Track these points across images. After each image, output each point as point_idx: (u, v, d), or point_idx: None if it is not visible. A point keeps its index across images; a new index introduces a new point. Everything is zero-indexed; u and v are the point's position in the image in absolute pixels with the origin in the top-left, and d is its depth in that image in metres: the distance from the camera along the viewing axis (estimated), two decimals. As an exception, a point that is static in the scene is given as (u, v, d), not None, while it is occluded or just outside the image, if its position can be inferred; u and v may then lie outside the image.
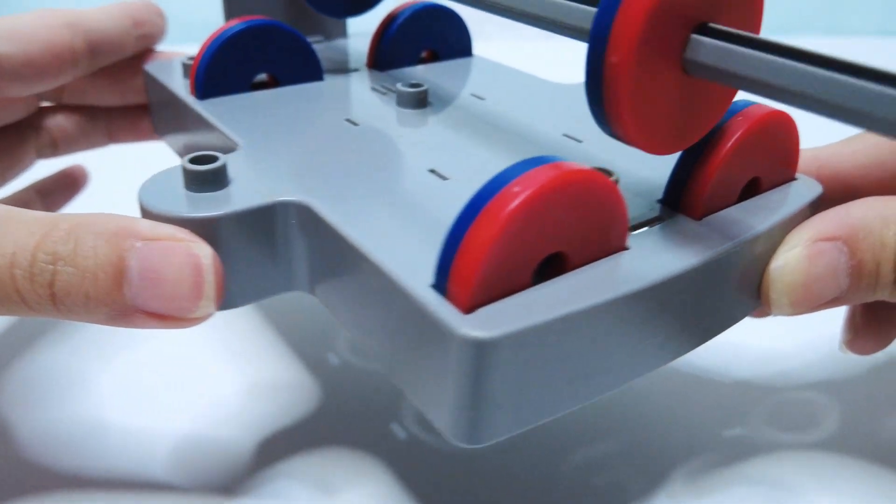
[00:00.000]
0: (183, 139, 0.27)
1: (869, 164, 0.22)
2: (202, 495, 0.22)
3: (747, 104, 0.18)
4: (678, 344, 0.17)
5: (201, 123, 0.24)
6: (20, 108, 0.28)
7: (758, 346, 0.28)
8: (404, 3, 0.29)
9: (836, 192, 0.21)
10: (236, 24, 0.25)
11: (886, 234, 0.18)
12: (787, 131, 0.19)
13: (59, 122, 0.30)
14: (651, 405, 0.25)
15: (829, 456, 0.23)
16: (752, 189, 0.19)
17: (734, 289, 0.18)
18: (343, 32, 0.33)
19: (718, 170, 0.18)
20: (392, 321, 0.16)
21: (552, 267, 0.16)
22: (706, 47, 0.15)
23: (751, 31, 0.16)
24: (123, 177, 0.35)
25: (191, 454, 0.23)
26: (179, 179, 0.19)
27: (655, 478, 0.22)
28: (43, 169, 0.31)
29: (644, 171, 0.20)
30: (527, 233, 0.14)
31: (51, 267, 0.16)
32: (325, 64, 0.29)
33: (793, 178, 0.21)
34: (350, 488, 0.22)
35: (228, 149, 0.22)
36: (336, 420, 0.25)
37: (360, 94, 0.26)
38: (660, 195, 0.19)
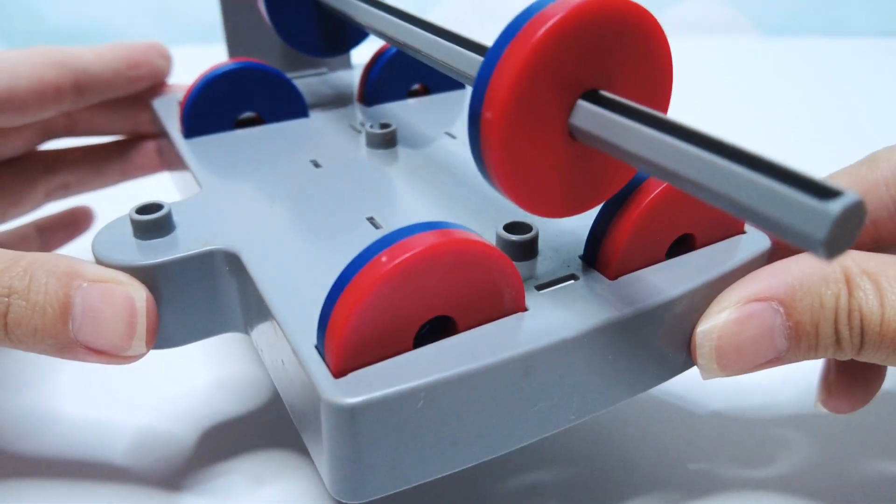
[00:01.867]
0: (176, 175, 0.28)
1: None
2: (149, 488, 0.23)
3: None
4: (583, 404, 0.17)
5: (182, 162, 0.25)
6: (17, 142, 0.29)
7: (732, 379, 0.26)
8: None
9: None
10: (220, 66, 0.26)
11: (825, 293, 0.17)
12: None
13: (68, 162, 0.31)
14: (616, 434, 0.24)
15: (792, 494, 0.22)
16: (685, 245, 0.19)
17: (655, 349, 0.18)
18: (347, 63, 0.34)
19: (633, 228, 0.17)
20: (288, 372, 0.17)
21: (443, 330, 0.16)
22: (587, 114, 0.15)
23: (658, 104, 0.16)
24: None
25: (142, 447, 0.24)
26: (128, 228, 0.20)
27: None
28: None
29: (574, 224, 0.20)
30: (399, 299, 0.15)
31: (6, 299, 0.18)
32: (316, 99, 0.30)
33: (740, 232, 0.20)
34: (279, 481, 0.23)
35: (196, 186, 0.23)
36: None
37: (336, 132, 0.27)
38: (581, 250, 0.19)
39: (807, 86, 0.57)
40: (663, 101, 0.16)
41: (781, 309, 0.17)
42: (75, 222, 0.33)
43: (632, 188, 0.18)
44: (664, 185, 0.17)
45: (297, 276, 0.18)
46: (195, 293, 0.20)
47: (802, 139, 0.47)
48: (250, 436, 0.24)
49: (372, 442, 0.15)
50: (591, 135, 0.15)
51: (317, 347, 0.16)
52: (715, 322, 0.18)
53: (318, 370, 0.15)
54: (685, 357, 0.18)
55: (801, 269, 0.17)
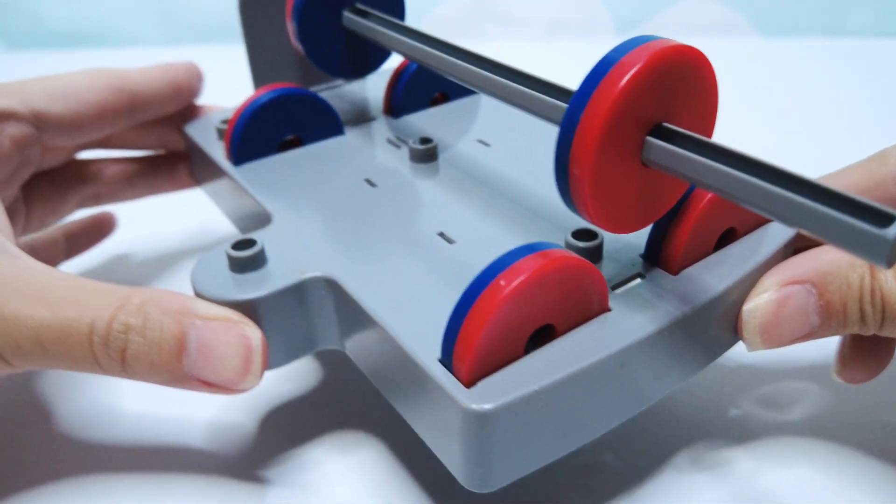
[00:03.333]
0: (222, 196, 0.30)
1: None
2: (233, 479, 0.24)
3: None
4: (663, 384, 0.20)
5: (238, 189, 0.27)
6: (62, 155, 0.31)
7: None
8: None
9: None
10: (263, 94, 0.28)
11: (852, 276, 0.20)
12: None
13: (103, 175, 0.33)
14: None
15: (815, 436, 0.25)
16: (729, 237, 0.22)
17: (714, 331, 0.21)
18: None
19: (692, 229, 0.20)
20: (409, 384, 0.19)
21: (543, 335, 0.18)
22: (659, 150, 0.17)
23: (706, 125, 0.18)
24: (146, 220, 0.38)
25: (218, 439, 0.25)
26: (224, 263, 0.22)
27: (664, 454, 0.24)
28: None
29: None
30: (514, 316, 0.17)
31: (123, 336, 0.20)
32: (344, 114, 0.31)
33: (767, 220, 0.23)
34: (351, 458, 0.24)
35: (263, 215, 0.25)
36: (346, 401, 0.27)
37: (376, 148, 0.29)
38: (642, 248, 0.21)
39: (807, 86, 0.58)
40: (711, 124, 0.19)
41: (814, 290, 0.20)
42: (100, 229, 0.34)
43: (686, 194, 0.20)
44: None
45: (397, 294, 0.20)
46: (292, 319, 0.22)
47: (803, 139, 0.48)
48: (312, 419, 0.26)
49: (501, 440, 0.17)
50: (662, 166, 0.17)
51: (441, 361, 0.18)
52: (758, 302, 0.20)
53: (451, 382, 0.17)
54: (733, 334, 0.21)
55: (832, 256, 0.20)
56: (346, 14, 0.29)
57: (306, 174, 0.27)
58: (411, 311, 0.20)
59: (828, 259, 0.20)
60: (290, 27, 0.29)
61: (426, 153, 0.27)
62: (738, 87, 0.58)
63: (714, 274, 0.20)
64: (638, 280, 0.20)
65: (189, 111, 0.33)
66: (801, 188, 0.15)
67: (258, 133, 0.28)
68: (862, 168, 0.23)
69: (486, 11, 0.69)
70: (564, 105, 0.19)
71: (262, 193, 0.26)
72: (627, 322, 0.19)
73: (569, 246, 0.21)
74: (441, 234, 0.23)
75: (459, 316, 0.17)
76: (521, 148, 0.28)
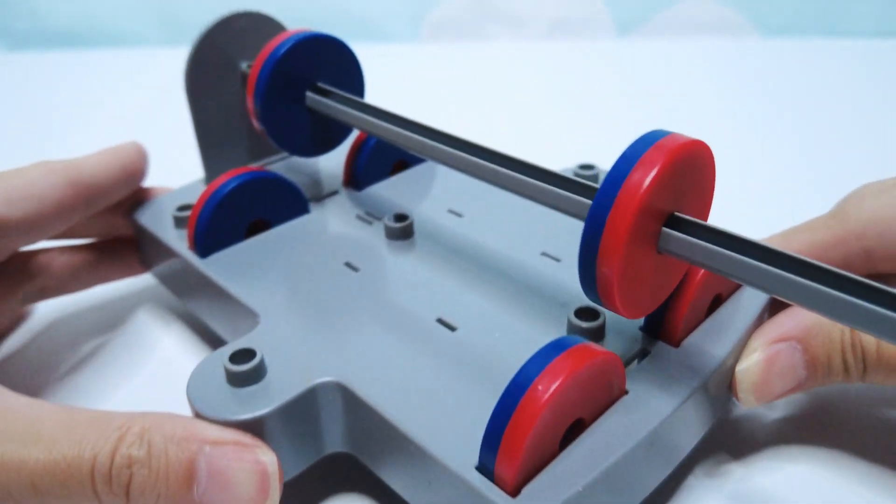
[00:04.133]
0: (188, 290, 0.28)
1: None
2: None
3: None
4: (683, 448, 0.21)
5: (210, 285, 0.26)
6: (6, 252, 0.28)
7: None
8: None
9: None
10: (223, 182, 0.27)
11: (833, 331, 0.21)
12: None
13: (51, 268, 0.30)
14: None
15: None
16: (716, 302, 0.23)
17: (716, 394, 0.22)
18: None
19: (690, 302, 0.21)
20: (441, 493, 0.19)
21: (574, 428, 0.19)
22: (675, 240, 0.18)
23: (705, 205, 0.19)
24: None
25: None
26: (221, 376, 0.20)
27: None
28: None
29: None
30: (553, 418, 0.17)
31: (127, 470, 0.18)
32: (304, 188, 0.30)
33: None
34: None
35: (244, 311, 0.24)
36: None
37: (347, 226, 0.28)
38: (639, 321, 0.22)
39: (807, 87, 0.58)
40: (709, 204, 0.20)
41: (799, 346, 0.21)
42: None
43: (679, 269, 0.21)
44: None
45: (414, 397, 0.20)
46: (299, 429, 0.21)
47: (803, 140, 0.48)
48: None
49: (551, 542, 0.17)
50: (676, 253, 0.18)
51: (478, 469, 0.18)
52: (749, 363, 0.22)
53: (496, 494, 0.17)
54: (728, 394, 0.22)
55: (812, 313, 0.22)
56: (309, 94, 0.28)
57: (282, 261, 0.26)
58: (434, 416, 0.19)
59: (810, 316, 0.22)
60: (252, 108, 0.28)
61: (403, 231, 0.27)
62: (737, 87, 0.59)
63: (712, 342, 0.21)
64: (646, 357, 0.21)
65: (134, 195, 0.31)
66: (814, 274, 0.16)
67: (225, 221, 0.27)
68: (824, 226, 0.24)
69: (487, 11, 0.69)
70: (575, 197, 0.19)
71: (241, 289, 0.25)
72: (648, 404, 0.19)
73: (573, 326, 0.21)
74: (440, 321, 0.23)
75: (499, 424, 0.17)
76: (494, 217, 0.29)
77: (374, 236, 0.28)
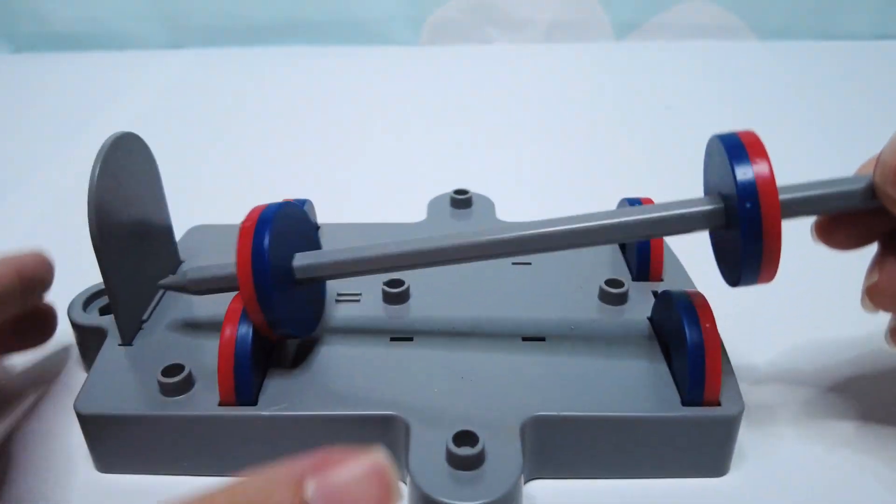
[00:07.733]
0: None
1: None
2: None
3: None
4: None
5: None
6: None
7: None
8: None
9: None
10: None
11: None
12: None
13: None
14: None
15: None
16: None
17: None
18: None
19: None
20: (677, 442, 0.22)
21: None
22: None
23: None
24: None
25: None
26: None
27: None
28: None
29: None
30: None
31: None
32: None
33: None
34: None
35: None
36: None
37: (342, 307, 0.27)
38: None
39: (804, 89, 0.59)
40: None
41: None
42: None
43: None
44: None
45: (577, 391, 0.23)
46: None
47: (800, 143, 0.49)
48: None
49: None
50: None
51: (686, 404, 0.22)
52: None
53: (716, 411, 0.21)
54: None
55: None
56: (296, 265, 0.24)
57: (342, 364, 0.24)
58: (612, 391, 0.23)
59: None
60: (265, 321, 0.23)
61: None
62: (734, 89, 0.60)
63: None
64: None
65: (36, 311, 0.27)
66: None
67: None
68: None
69: (486, 14, 0.70)
70: (699, 209, 0.22)
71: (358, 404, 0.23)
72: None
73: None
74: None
75: (699, 364, 0.22)
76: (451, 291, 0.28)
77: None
